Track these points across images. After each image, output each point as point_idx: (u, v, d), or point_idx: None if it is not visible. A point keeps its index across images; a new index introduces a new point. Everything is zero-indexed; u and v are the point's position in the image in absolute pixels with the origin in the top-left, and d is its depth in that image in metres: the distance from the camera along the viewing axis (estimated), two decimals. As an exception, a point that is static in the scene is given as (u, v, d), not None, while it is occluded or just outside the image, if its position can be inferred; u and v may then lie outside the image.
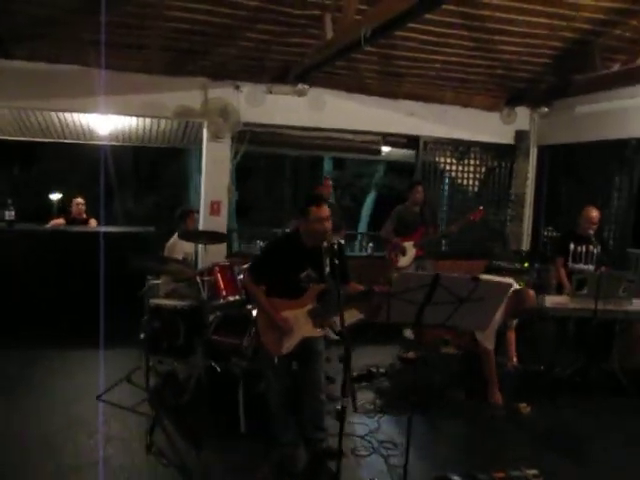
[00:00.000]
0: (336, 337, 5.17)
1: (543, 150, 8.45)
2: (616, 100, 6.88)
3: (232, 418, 4.23)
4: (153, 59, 6.53)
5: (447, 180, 8.61)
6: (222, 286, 4.88)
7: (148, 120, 8.47)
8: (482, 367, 4.95)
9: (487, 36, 6.19)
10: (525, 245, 8.61)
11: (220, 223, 7.21)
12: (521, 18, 5.79)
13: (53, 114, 8.21)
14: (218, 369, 4.72)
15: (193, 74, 6.88)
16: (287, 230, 6.63)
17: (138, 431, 4.12)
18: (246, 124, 7.20)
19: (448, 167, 8.49)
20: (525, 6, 5.56)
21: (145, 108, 6.95)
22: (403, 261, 6.72)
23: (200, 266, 5.68)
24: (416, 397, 4.57)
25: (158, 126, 8.84)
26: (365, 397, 4.97)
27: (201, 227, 6.92)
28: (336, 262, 3.46)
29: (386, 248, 7.05)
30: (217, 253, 6.50)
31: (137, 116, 7.97)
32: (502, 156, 8.58)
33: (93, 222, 7.71)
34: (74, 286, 6.30)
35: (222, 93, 7.06)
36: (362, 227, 19.71)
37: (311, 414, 3.85)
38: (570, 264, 5.88)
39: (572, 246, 5.85)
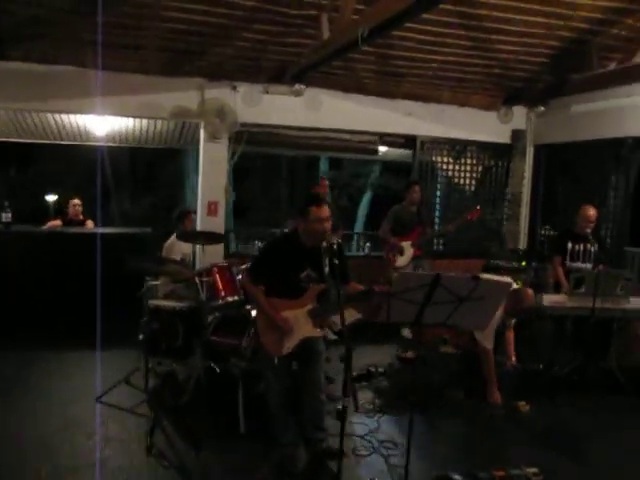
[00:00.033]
0: (334, 337, 5.20)
1: (540, 149, 8.47)
2: (612, 99, 6.90)
3: (231, 419, 4.22)
4: (150, 60, 6.52)
5: (444, 180, 8.62)
6: (221, 287, 4.88)
7: (145, 121, 8.46)
8: (481, 366, 4.95)
9: (484, 35, 6.21)
10: (522, 244, 8.62)
11: (217, 224, 7.20)
12: (518, 17, 5.80)
13: (49, 115, 8.19)
14: (217, 370, 4.71)
15: (190, 74, 6.87)
16: (285, 230, 6.66)
17: (137, 432, 4.10)
18: (243, 124, 7.19)
19: (445, 167, 8.50)
20: (522, 5, 5.58)
21: (142, 109, 6.94)
22: (401, 261, 6.73)
23: (198, 267, 5.67)
24: (416, 397, 4.56)
25: (155, 127, 8.83)
26: (364, 397, 4.96)
27: (198, 228, 6.92)
28: (336, 262, 3.45)
29: (383, 248, 7.05)
30: (214, 254, 6.49)
31: (134, 117, 7.96)
32: (499, 155, 8.60)
33: (90, 223, 7.68)
34: (71, 287, 6.28)
35: (219, 93, 7.06)
36: (358, 227, 19.72)
37: (311, 414, 3.84)
38: (568, 263, 5.88)
39: (570, 245, 5.86)
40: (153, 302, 5.01)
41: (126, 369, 4.85)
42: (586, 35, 6.15)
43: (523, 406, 4.85)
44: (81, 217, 7.70)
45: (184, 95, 6.93)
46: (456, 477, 3.42)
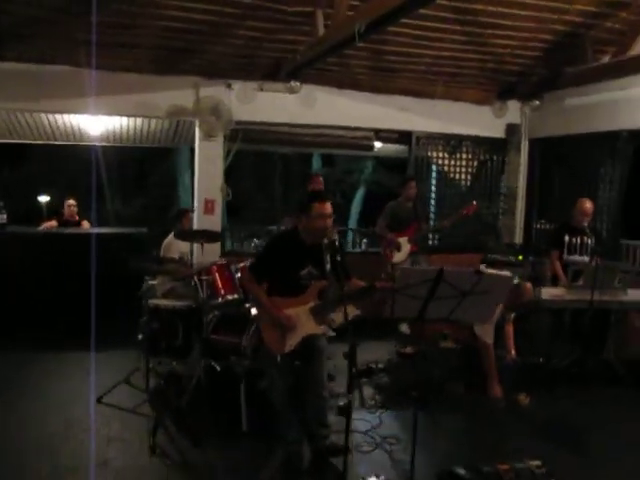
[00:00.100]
0: (333, 334, 5.20)
1: (534, 143, 8.48)
2: (606, 92, 6.91)
3: (233, 417, 4.22)
4: (144, 58, 6.48)
5: (439, 175, 8.63)
6: (220, 285, 4.87)
7: (139, 120, 8.42)
8: (481, 361, 4.97)
9: (479, 30, 6.22)
10: (518, 238, 8.64)
11: (214, 222, 7.19)
12: (512, 11, 5.82)
13: (43, 115, 8.14)
14: (218, 368, 4.70)
15: (184, 73, 6.84)
16: (282, 228, 6.65)
17: (139, 432, 4.08)
18: (238, 122, 7.17)
19: (440, 162, 8.50)
20: (516, -1, 5.60)
21: (137, 108, 6.91)
22: (398, 257, 6.72)
23: (195, 265, 5.65)
24: (418, 392, 4.58)
25: (149, 126, 8.79)
26: (366, 393, 4.98)
27: (195, 226, 6.89)
28: (338, 259, 3.45)
29: (380, 244, 7.05)
30: (211, 252, 6.47)
31: (128, 116, 7.93)
32: (494, 150, 8.60)
33: (86, 224, 7.66)
34: (69, 288, 6.26)
35: (214, 92, 7.03)
36: (352, 223, 19.72)
37: (314, 411, 3.83)
38: (565, 256, 5.91)
39: (567, 238, 5.88)
40: (152, 301, 5.00)
41: (126, 369, 4.84)
42: (580, 28, 6.17)
43: (523, 399, 4.87)
44: (76, 218, 7.67)
45: (179, 94, 6.90)
46: (460, 472, 3.43)
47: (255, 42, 6.26)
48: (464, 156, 8.56)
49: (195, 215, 7.18)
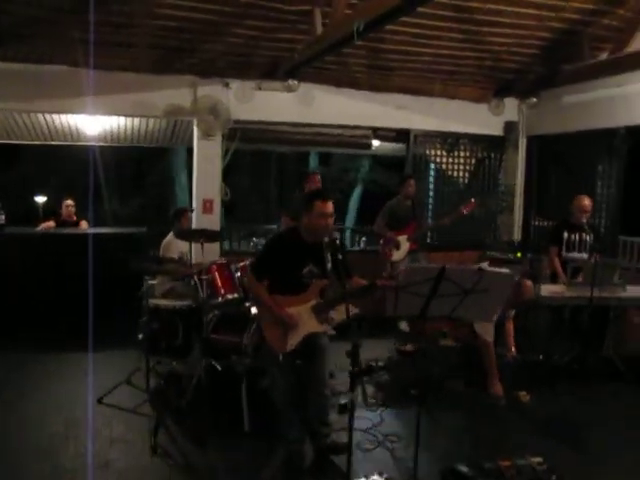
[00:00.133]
0: (333, 332, 5.20)
1: (532, 140, 8.49)
2: (603, 89, 6.91)
3: (234, 416, 4.22)
4: (141, 58, 6.46)
5: (437, 173, 8.63)
6: (220, 284, 4.87)
7: (136, 120, 8.40)
8: (482, 359, 4.98)
9: (476, 28, 6.22)
10: (516, 235, 8.66)
11: (213, 221, 7.18)
12: (510, 9, 5.82)
13: (40, 115, 8.11)
14: (219, 368, 4.70)
15: (182, 72, 6.82)
16: (280, 226, 6.65)
17: (141, 433, 4.08)
18: (236, 121, 7.16)
19: (438, 160, 8.51)
20: (514, -3, 5.60)
21: (134, 107, 6.89)
22: (397, 255, 6.73)
23: (195, 265, 5.64)
24: (419, 390, 4.59)
25: (147, 125, 8.77)
26: (367, 391, 4.97)
27: (194, 226, 6.87)
28: (339, 257, 3.45)
29: (379, 242, 7.05)
30: (210, 252, 6.46)
31: (126, 116, 7.91)
32: (491, 147, 8.61)
33: (84, 224, 7.62)
34: (68, 289, 6.23)
35: (211, 91, 7.02)
36: (349, 221, 19.76)
37: (316, 410, 3.84)
38: (564, 253, 5.92)
39: (566, 235, 5.90)
40: (152, 301, 5.00)
41: (126, 369, 4.84)
42: (577, 26, 6.17)
43: (524, 396, 4.89)
44: (74, 218, 7.63)
45: (176, 93, 6.88)
46: (463, 469, 3.43)
47: (253, 41, 6.25)
48: (462, 154, 8.57)
49: (194, 215, 7.17)
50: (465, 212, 6.63)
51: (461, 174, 8.63)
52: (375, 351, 5.82)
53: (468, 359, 5.34)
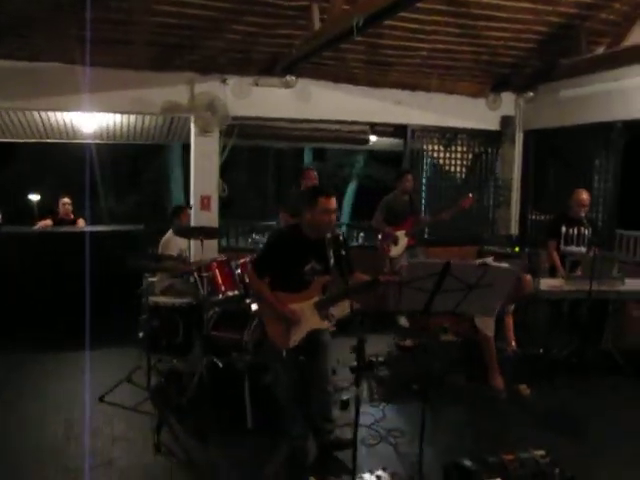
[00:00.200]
0: (333, 329, 5.21)
1: (529, 135, 8.49)
2: (600, 83, 6.92)
3: (237, 413, 4.22)
4: (139, 54, 6.43)
5: (435, 168, 8.63)
6: (221, 281, 4.87)
7: (133, 117, 8.38)
8: (482, 354, 5.00)
9: (473, 22, 6.22)
10: (513, 230, 8.67)
11: (211, 218, 7.18)
12: (507, 3, 5.82)
13: (36, 113, 8.08)
14: (220, 364, 4.70)
15: (179, 69, 6.80)
16: (279, 223, 6.65)
17: (143, 431, 4.08)
18: (234, 117, 7.14)
19: (436, 155, 8.50)
20: (511, -9, 5.60)
21: (131, 104, 6.85)
22: (395, 250, 6.74)
23: (194, 262, 5.64)
24: (421, 385, 4.60)
25: (143, 122, 8.75)
26: (369, 386, 4.99)
27: (192, 223, 6.87)
28: (343, 253, 3.46)
29: (377, 238, 7.05)
30: (208, 249, 6.45)
31: (123, 113, 7.88)
32: (489, 142, 8.61)
33: (81, 222, 7.60)
34: (66, 287, 6.22)
35: (208, 87, 7.00)
36: (344, 217, 19.73)
37: (319, 406, 3.84)
38: (562, 247, 5.94)
39: (564, 229, 5.91)
40: (152, 299, 4.98)
41: (126, 367, 4.82)
42: (575, 20, 6.17)
43: (524, 389, 4.92)
44: (72, 216, 7.61)
45: (174, 90, 6.86)
46: (467, 463, 3.43)
47: (251, 37, 6.23)
48: (459, 149, 8.58)
49: (192, 212, 7.16)
50: (464, 207, 6.64)
51: (458, 169, 8.64)
52: (375, 346, 5.82)
53: (469, 354, 5.36)
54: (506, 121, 8.42)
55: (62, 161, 16.15)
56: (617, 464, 3.82)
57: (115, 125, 8.83)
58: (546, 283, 5.42)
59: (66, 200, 7.62)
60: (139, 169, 19.96)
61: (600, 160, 7.47)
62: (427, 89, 7.87)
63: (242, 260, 5.10)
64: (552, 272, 5.95)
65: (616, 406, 4.79)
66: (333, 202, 3.66)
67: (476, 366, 5.13)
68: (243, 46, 6.46)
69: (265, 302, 3.84)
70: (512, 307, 5.33)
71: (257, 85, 7.18)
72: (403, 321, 6.58)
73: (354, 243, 10.52)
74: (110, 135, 9.33)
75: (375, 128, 8.10)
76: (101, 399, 4.56)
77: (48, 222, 7.42)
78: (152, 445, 3.84)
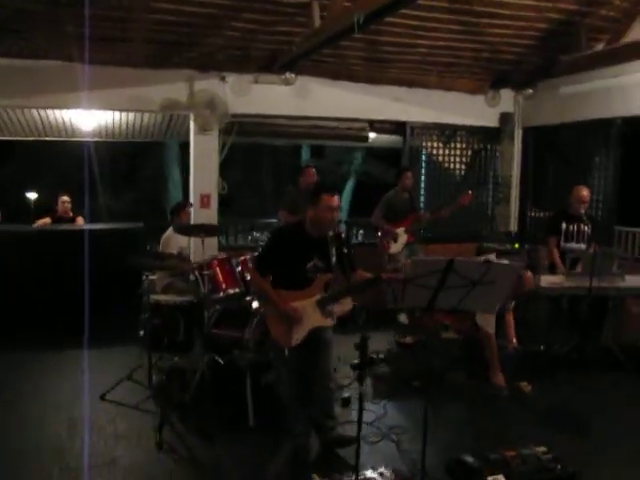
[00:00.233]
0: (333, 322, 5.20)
1: (528, 132, 8.50)
2: (600, 80, 6.93)
3: (238, 411, 4.21)
4: (137, 52, 6.42)
5: (434, 164, 8.63)
6: (221, 279, 4.86)
7: (131, 114, 8.35)
8: (483, 351, 5.00)
9: (474, 19, 6.21)
10: (513, 226, 8.68)
11: (211, 216, 7.17)
12: (509, 0, 5.80)
13: (34, 111, 8.04)
14: (221, 362, 4.69)
15: (180, 66, 6.79)
16: (279, 221, 6.63)
17: (145, 429, 4.07)
18: (233, 115, 7.13)
19: (435, 152, 8.51)
20: (512, -12, 5.59)
21: (130, 102, 6.84)
22: (394, 247, 6.73)
23: (194, 260, 5.63)
24: (422, 382, 4.61)
25: (142, 120, 8.72)
26: (371, 384, 4.99)
27: (192, 221, 6.85)
28: (344, 251, 3.45)
29: (376, 235, 7.05)
30: (208, 246, 6.44)
31: (122, 111, 7.86)
32: (488, 139, 8.63)
33: (80, 220, 7.59)
34: (66, 286, 6.19)
35: (208, 85, 6.98)
36: (342, 214, 19.71)
37: (321, 403, 3.85)
38: (562, 243, 5.94)
39: (564, 225, 5.91)
40: (153, 297, 4.97)
41: (127, 366, 4.82)
42: (575, 16, 6.17)
43: (525, 386, 4.92)
44: (70, 214, 7.59)
45: (173, 87, 6.84)
46: (469, 459, 3.45)
47: (250, 34, 6.22)
48: (458, 146, 8.59)
49: (192, 209, 7.15)
50: (464, 204, 6.64)
51: (457, 166, 8.64)
52: (375, 343, 5.81)
53: (470, 351, 5.36)
54: (505, 118, 8.43)
55: (61, 159, 16.12)
56: (619, 461, 3.82)
57: (114, 123, 8.81)
58: (546, 280, 5.42)
59: (65, 198, 7.59)
60: (137, 167, 19.93)
61: (599, 157, 7.48)
62: (426, 86, 7.87)
63: (242, 258, 5.09)
64: (552, 269, 5.94)
65: (617, 403, 4.80)
66: (336, 199, 3.66)
67: (477, 363, 5.13)
68: (242, 43, 6.45)
69: (267, 300, 3.83)
70: (512, 304, 5.33)
71: (256, 82, 7.17)
72: (403, 318, 6.58)
73: (353, 240, 10.51)
74: (109, 133, 9.31)
75: (374, 125, 8.09)
76: (102, 397, 4.55)
77: (47, 220, 7.40)
78: (154, 443, 3.83)
